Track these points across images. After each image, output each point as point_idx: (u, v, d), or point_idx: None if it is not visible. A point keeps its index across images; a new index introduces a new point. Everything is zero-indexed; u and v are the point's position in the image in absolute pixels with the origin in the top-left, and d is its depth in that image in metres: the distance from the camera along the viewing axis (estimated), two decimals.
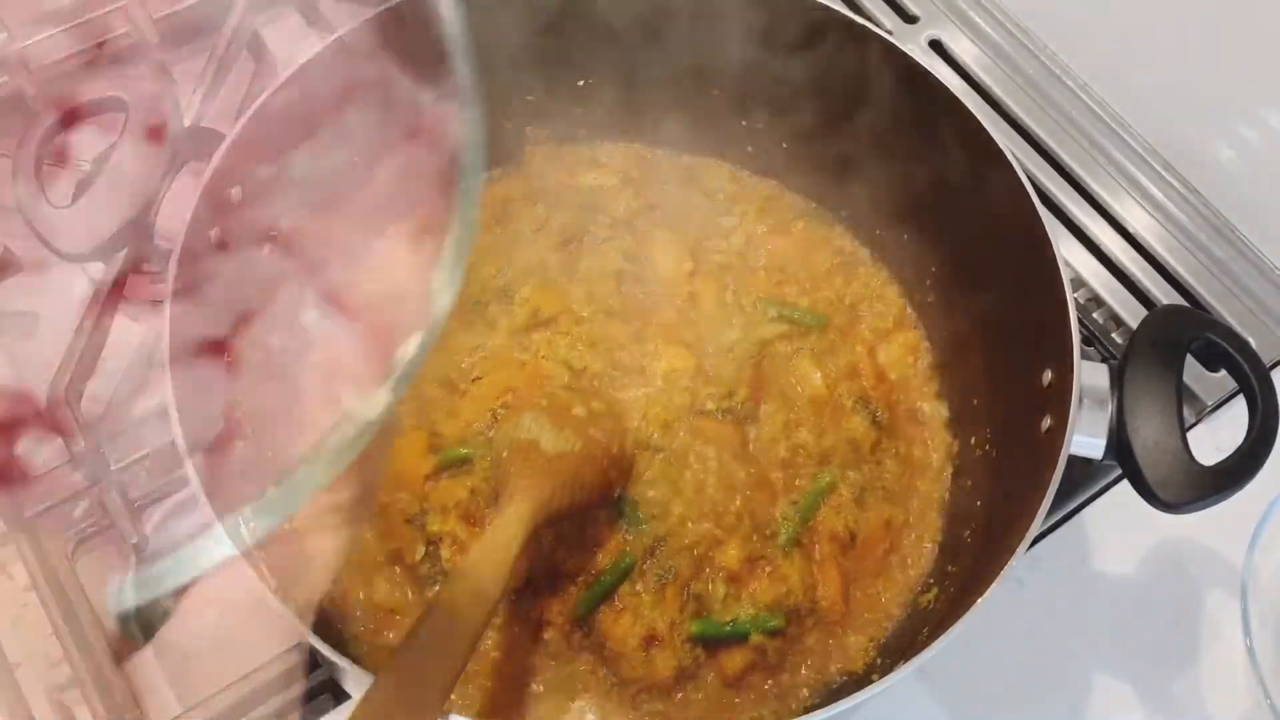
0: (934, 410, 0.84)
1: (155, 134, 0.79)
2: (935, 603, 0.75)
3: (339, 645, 0.67)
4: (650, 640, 0.73)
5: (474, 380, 0.82)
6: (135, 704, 0.74)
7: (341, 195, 0.67)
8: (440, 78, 0.51)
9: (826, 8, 0.81)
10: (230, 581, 0.81)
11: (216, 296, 0.58)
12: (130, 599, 0.63)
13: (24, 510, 0.81)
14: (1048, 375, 0.71)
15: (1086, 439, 0.67)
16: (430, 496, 0.78)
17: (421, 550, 0.76)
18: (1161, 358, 0.68)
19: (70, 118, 0.70)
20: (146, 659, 0.80)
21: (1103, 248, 1.00)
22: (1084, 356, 0.68)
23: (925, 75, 0.79)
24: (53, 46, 0.93)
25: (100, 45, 0.91)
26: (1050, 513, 0.66)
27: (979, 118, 0.77)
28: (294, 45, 0.94)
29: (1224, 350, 0.68)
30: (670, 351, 0.83)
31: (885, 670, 0.64)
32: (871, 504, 0.80)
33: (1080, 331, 0.69)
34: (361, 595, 0.75)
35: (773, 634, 0.74)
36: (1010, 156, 0.76)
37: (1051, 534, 0.85)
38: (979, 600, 0.62)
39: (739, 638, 0.74)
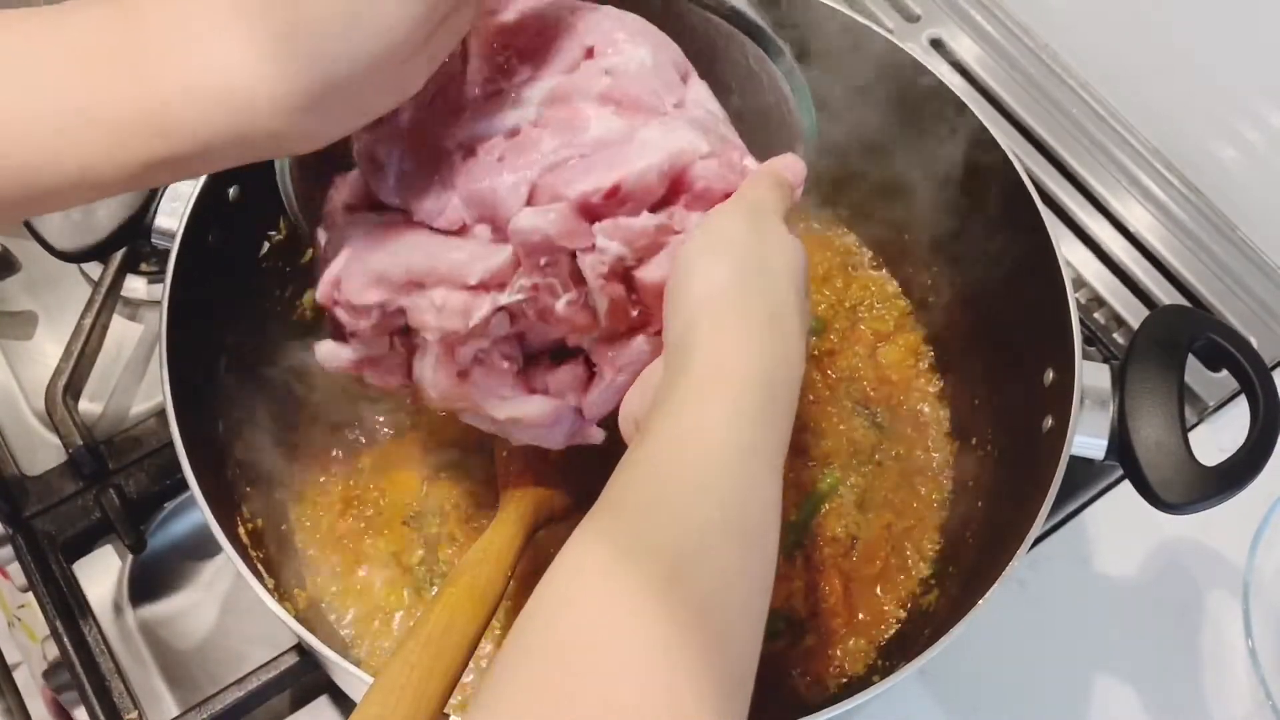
0: (935, 412, 0.84)
1: None
2: (936, 604, 0.75)
3: (338, 647, 0.67)
4: None
5: None
6: (133, 705, 0.74)
7: None
8: None
9: (827, 5, 0.81)
10: (228, 581, 0.81)
11: None
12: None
13: (22, 510, 0.81)
14: (1049, 375, 0.71)
15: (1088, 439, 0.66)
16: (428, 498, 0.78)
17: (419, 552, 0.76)
18: (1163, 358, 0.67)
19: None
20: (145, 659, 0.80)
21: (1104, 247, 0.99)
22: (1085, 357, 0.68)
23: (926, 74, 0.79)
24: None
25: None
26: (1051, 514, 0.65)
27: (980, 117, 0.77)
28: None
29: (1226, 350, 0.68)
30: None
31: (886, 671, 0.64)
32: (872, 507, 0.80)
33: (1081, 331, 0.69)
34: (360, 597, 0.75)
35: (773, 638, 0.74)
36: (1011, 156, 0.75)
37: (1053, 535, 0.85)
38: (980, 601, 0.61)
39: None
